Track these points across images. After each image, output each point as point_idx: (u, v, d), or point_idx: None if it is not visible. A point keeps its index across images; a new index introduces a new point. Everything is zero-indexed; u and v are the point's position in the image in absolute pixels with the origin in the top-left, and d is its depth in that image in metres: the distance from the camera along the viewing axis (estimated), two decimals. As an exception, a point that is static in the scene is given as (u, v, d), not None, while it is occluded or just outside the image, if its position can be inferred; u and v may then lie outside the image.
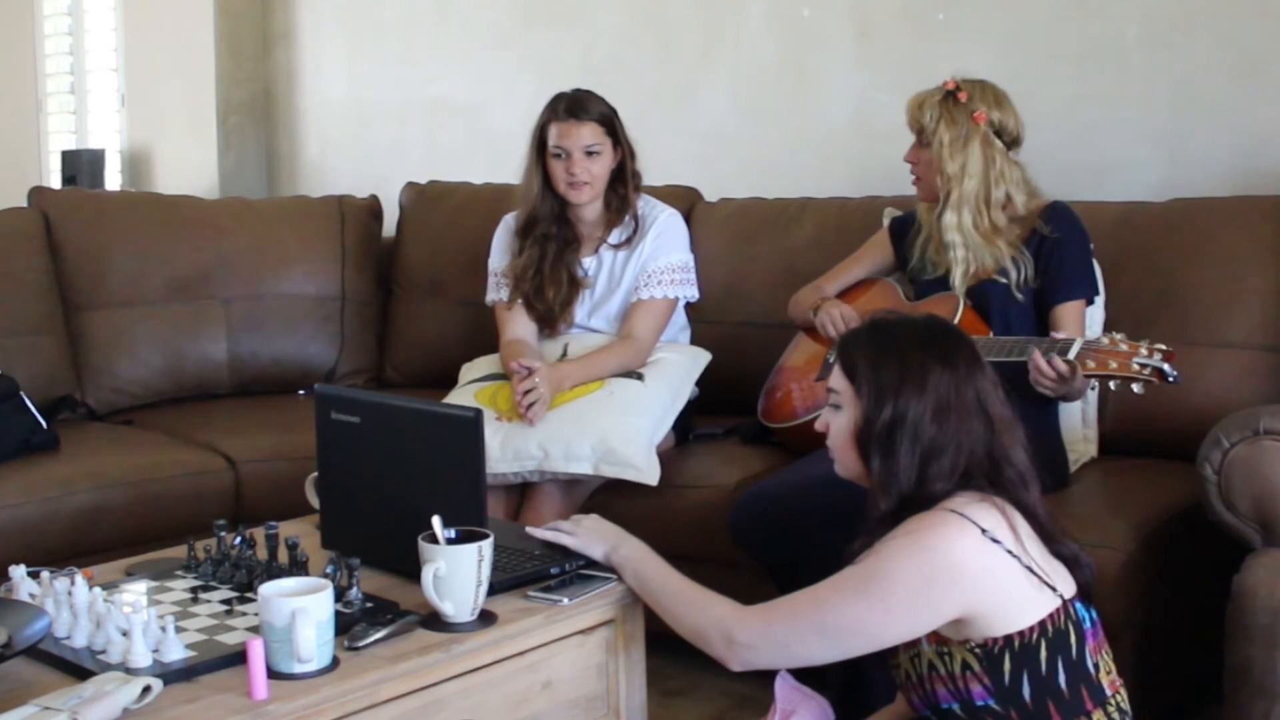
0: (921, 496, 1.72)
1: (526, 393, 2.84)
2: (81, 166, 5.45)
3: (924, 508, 1.72)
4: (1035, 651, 1.67)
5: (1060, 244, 2.70)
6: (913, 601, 1.67)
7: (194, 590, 2.08)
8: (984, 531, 1.67)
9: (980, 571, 1.66)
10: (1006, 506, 1.72)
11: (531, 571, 2.12)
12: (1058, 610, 1.69)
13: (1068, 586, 1.73)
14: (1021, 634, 1.67)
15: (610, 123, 3.11)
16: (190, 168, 5.29)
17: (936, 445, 1.72)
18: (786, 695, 1.95)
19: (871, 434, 1.75)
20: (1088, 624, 1.73)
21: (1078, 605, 1.72)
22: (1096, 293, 2.77)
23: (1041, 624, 1.67)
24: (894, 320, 1.85)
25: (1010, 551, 1.67)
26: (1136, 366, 2.29)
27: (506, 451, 2.81)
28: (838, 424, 1.82)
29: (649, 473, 2.83)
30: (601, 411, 2.86)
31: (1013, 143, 2.75)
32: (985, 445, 1.74)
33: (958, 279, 2.73)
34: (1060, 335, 2.49)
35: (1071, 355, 2.38)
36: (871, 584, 1.69)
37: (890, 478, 1.74)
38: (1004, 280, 2.70)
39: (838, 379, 1.81)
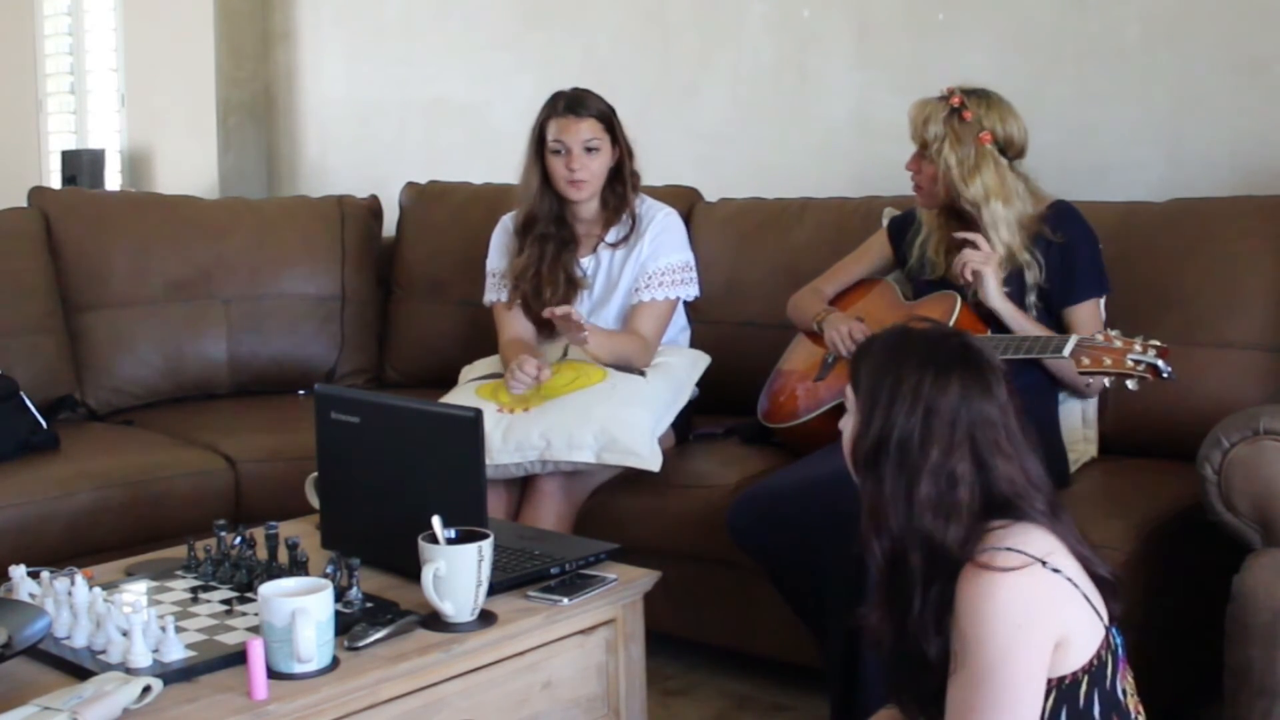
0: (930, 551, 1.60)
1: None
2: (81, 166, 5.45)
3: (943, 568, 1.59)
4: (1077, 688, 1.60)
5: (1068, 248, 2.69)
6: (1036, 664, 1.56)
7: (194, 590, 2.08)
8: (1044, 563, 1.56)
9: (1057, 603, 1.57)
10: (1046, 532, 1.61)
11: (531, 571, 2.12)
12: (1103, 641, 1.62)
13: (1105, 613, 1.65)
14: (1074, 673, 1.59)
15: (609, 120, 3.11)
16: (190, 168, 5.28)
17: (922, 477, 1.61)
18: None
19: (860, 450, 1.66)
20: (1120, 651, 1.67)
21: (1114, 631, 1.66)
22: (1109, 287, 2.76)
23: (1090, 659, 1.60)
24: (914, 333, 1.72)
25: (1070, 580, 1.59)
26: (1131, 363, 2.29)
27: (509, 442, 2.81)
28: (846, 429, 1.74)
29: (651, 460, 2.82)
30: (603, 402, 2.87)
31: (1018, 154, 2.74)
32: (984, 482, 1.62)
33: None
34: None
35: (1066, 352, 2.38)
36: (995, 687, 1.54)
37: (878, 508, 1.63)
38: (1006, 286, 2.70)
39: (849, 385, 1.73)
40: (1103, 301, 2.78)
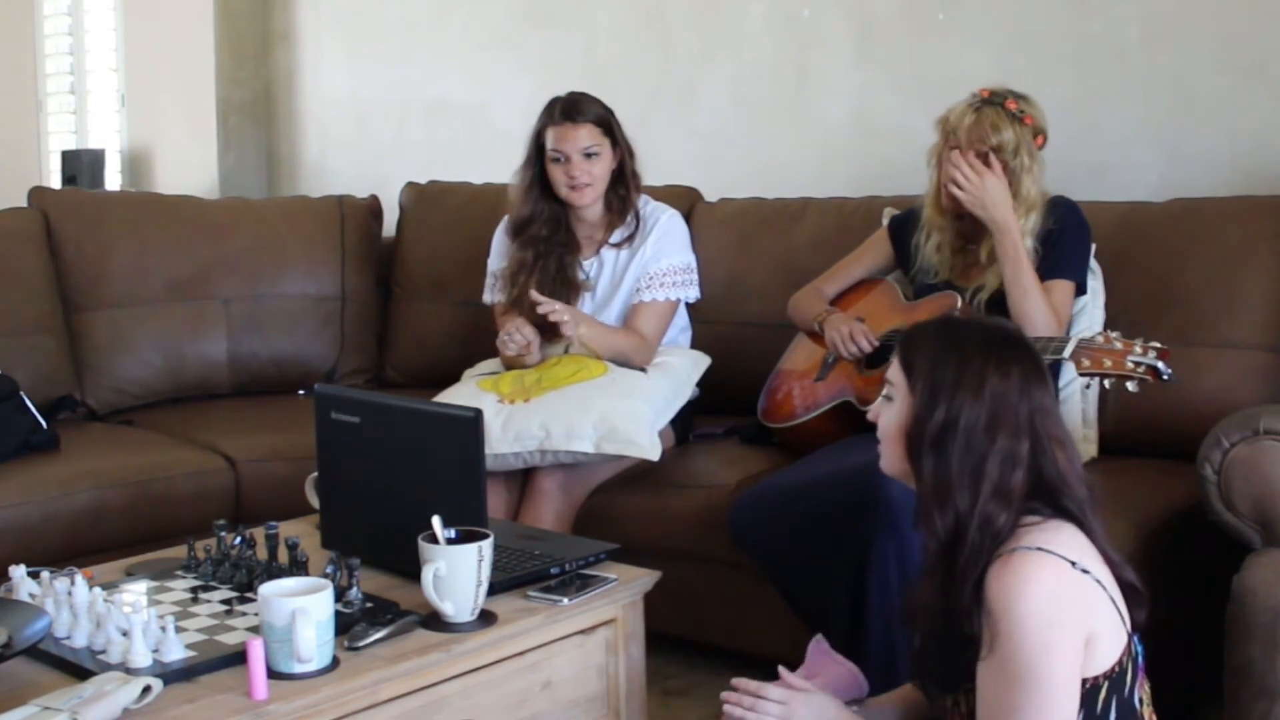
0: (985, 531, 1.62)
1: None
2: (81, 166, 5.45)
3: (990, 547, 1.62)
4: (1097, 694, 1.61)
5: (1057, 232, 2.71)
6: (1070, 661, 1.58)
7: (194, 590, 2.08)
8: (1074, 564, 1.59)
9: (1085, 602, 1.59)
10: (1076, 531, 1.64)
11: (531, 571, 2.12)
12: (1125, 648, 1.63)
13: (1129, 620, 1.66)
14: (1095, 678, 1.60)
15: (607, 123, 3.11)
16: (190, 168, 5.28)
17: (988, 461, 1.64)
18: (817, 659, 1.95)
19: (923, 434, 1.67)
20: (1140, 660, 1.68)
21: (1136, 639, 1.66)
22: (1083, 282, 2.75)
23: (1113, 665, 1.61)
24: (963, 322, 1.77)
25: (1099, 581, 1.61)
26: (1131, 365, 2.29)
27: (508, 432, 2.81)
28: (888, 416, 1.75)
29: (650, 450, 2.82)
30: (604, 394, 2.87)
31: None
32: (1036, 467, 1.65)
33: (986, 292, 2.71)
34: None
35: (1066, 354, 2.38)
36: (1033, 687, 1.56)
37: (943, 488, 1.65)
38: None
39: (894, 371, 1.74)
40: (1099, 305, 2.78)
